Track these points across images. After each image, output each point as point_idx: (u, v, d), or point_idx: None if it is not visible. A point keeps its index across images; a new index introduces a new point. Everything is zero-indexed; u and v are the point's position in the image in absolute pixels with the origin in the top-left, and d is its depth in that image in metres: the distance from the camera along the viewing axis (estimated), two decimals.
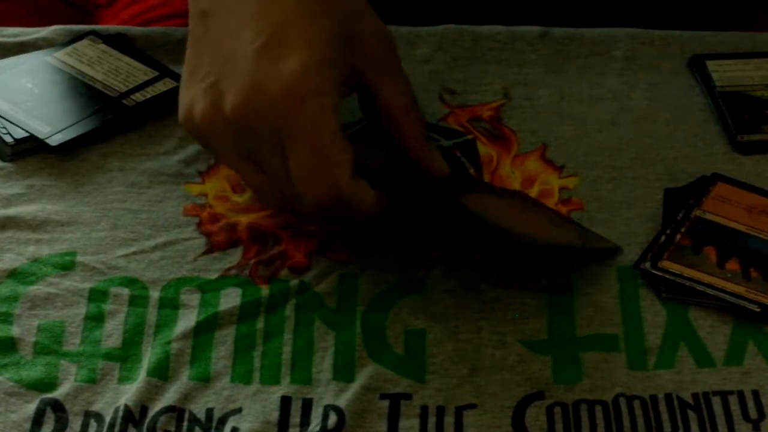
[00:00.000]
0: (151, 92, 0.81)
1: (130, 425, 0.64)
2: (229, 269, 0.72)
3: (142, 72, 0.82)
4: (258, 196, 0.74)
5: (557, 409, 0.65)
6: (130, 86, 0.81)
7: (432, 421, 0.65)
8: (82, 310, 0.70)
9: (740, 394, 0.65)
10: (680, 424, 0.64)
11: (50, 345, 0.68)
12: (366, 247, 0.73)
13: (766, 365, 0.67)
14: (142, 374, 0.66)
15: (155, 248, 0.73)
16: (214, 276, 0.71)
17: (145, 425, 0.64)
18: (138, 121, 0.80)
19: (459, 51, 0.86)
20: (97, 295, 0.70)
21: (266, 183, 0.68)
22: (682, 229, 0.72)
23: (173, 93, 0.81)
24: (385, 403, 0.65)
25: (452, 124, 0.81)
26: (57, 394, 0.66)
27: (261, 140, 0.65)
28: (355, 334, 0.68)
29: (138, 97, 0.81)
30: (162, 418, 0.65)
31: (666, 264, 0.71)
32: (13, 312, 0.69)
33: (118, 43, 0.85)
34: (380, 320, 0.69)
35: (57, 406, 0.65)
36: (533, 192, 0.76)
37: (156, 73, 0.82)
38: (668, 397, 0.65)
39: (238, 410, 0.65)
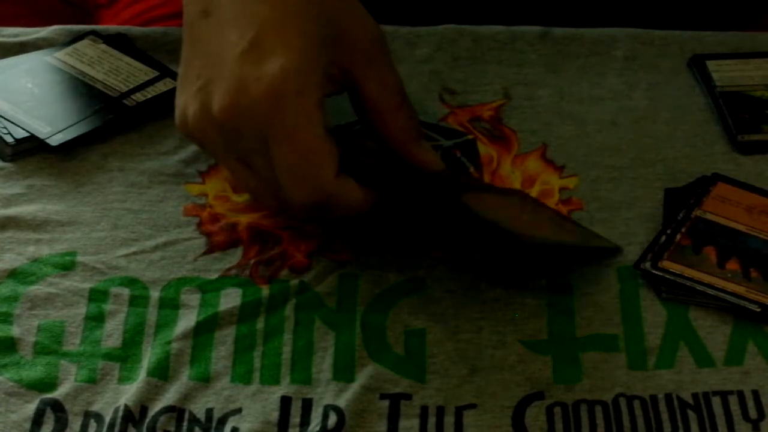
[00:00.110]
0: (151, 92, 0.81)
1: (129, 425, 0.64)
2: (229, 269, 0.72)
3: (142, 72, 0.83)
4: (253, 198, 0.74)
5: (557, 409, 0.65)
6: (131, 86, 0.81)
7: (432, 421, 0.65)
8: (82, 310, 0.70)
9: (740, 394, 0.65)
10: (680, 424, 0.64)
11: (50, 345, 0.68)
12: (366, 247, 0.73)
13: (766, 365, 0.67)
14: (142, 374, 0.66)
15: (155, 248, 0.73)
16: (214, 276, 0.71)
17: (145, 425, 0.64)
18: (138, 121, 0.80)
19: (459, 51, 0.86)
20: (97, 295, 0.70)
21: (259, 184, 0.68)
22: (683, 229, 0.72)
23: (173, 93, 0.81)
24: (385, 403, 0.65)
25: (452, 124, 0.81)
26: (57, 394, 0.66)
27: (247, 142, 0.66)
28: (355, 334, 0.68)
29: (138, 97, 0.81)
30: (162, 418, 0.65)
31: (666, 264, 0.71)
32: (13, 312, 0.69)
33: (119, 43, 0.85)
34: (380, 320, 0.69)
35: (57, 406, 0.65)
36: (533, 192, 0.76)
37: (156, 73, 0.82)
38: (668, 397, 0.65)
39: (238, 410, 0.65)
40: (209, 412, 0.65)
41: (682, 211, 0.74)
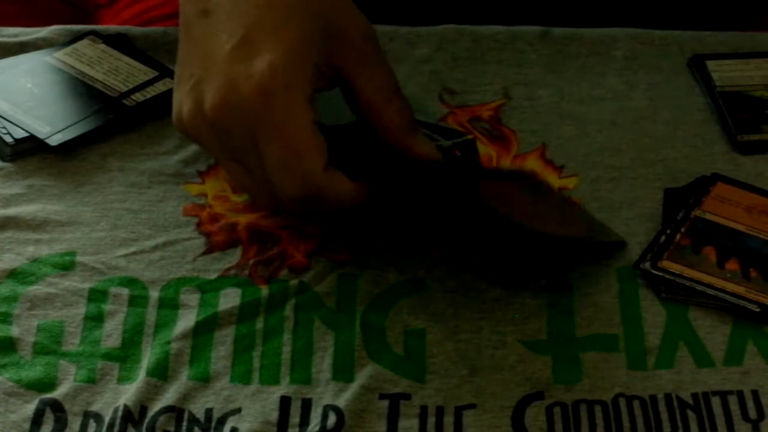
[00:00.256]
0: (151, 92, 0.81)
1: (129, 425, 0.64)
2: (228, 269, 0.72)
3: (142, 72, 0.83)
4: (250, 197, 0.74)
5: (557, 409, 0.65)
6: (130, 86, 0.81)
7: (431, 421, 0.65)
8: (81, 310, 0.70)
9: (740, 394, 0.65)
10: (680, 424, 0.64)
11: (50, 345, 0.68)
12: (366, 247, 0.73)
13: (765, 365, 0.67)
14: (141, 374, 0.66)
15: (155, 248, 0.73)
16: (213, 276, 0.71)
17: (145, 425, 0.64)
18: (138, 121, 0.80)
19: (459, 51, 0.86)
20: (96, 295, 0.70)
21: (254, 183, 0.69)
22: (682, 229, 0.72)
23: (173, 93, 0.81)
24: (385, 403, 0.65)
25: (452, 124, 0.81)
26: (56, 394, 0.66)
27: (239, 140, 0.66)
28: (355, 334, 0.68)
29: (138, 97, 0.81)
30: (161, 418, 0.65)
31: (666, 264, 0.71)
32: (13, 312, 0.69)
33: (118, 43, 0.85)
34: (380, 320, 0.69)
35: (56, 406, 0.65)
36: None
37: (156, 73, 0.82)
38: (668, 397, 0.65)
39: (238, 410, 0.65)
40: (209, 412, 0.65)
41: (681, 211, 0.74)
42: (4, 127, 0.78)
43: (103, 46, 0.85)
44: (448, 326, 0.69)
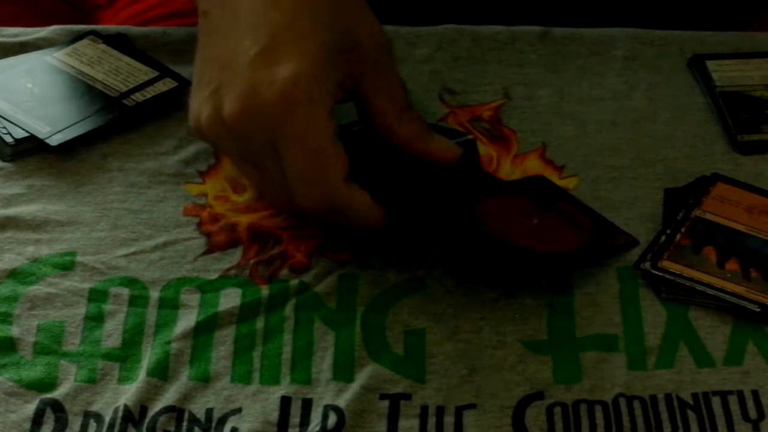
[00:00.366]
0: (151, 92, 0.81)
1: (129, 425, 0.64)
2: (228, 269, 0.72)
3: (142, 72, 0.82)
4: (264, 199, 0.74)
5: (557, 409, 0.65)
6: (131, 86, 0.81)
7: (432, 421, 0.65)
8: (81, 310, 0.70)
9: (740, 394, 0.65)
10: (680, 424, 0.64)
11: (50, 345, 0.68)
12: (366, 247, 0.73)
13: (765, 365, 0.67)
14: (141, 374, 0.66)
15: (155, 248, 0.73)
16: (213, 276, 0.71)
17: (145, 425, 0.64)
18: (138, 121, 0.80)
19: (459, 51, 0.86)
20: (96, 295, 0.70)
21: (271, 188, 0.69)
22: (682, 229, 0.72)
23: (173, 93, 0.81)
24: (385, 403, 0.65)
25: (452, 124, 0.80)
26: (56, 394, 0.66)
27: (258, 146, 0.66)
28: (355, 334, 0.68)
29: (138, 97, 0.81)
30: (162, 418, 0.64)
31: (666, 264, 0.71)
32: (13, 312, 0.69)
33: (119, 43, 0.85)
34: (380, 320, 0.69)
35: (56, 406, 0.65)
36: None
37: (156, 73, 0.82)
38: (668, 397, 0.65)
39: (238, 410, 0.65)
40: (209, 412, 0.65)
41: (681, 211, 0.74)
42: (4, 127, 0.78)
43: (103, 46, 0.85)
44: (448, 326, 0.69)
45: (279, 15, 0.67)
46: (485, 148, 0.79)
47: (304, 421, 0.65)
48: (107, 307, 0.70)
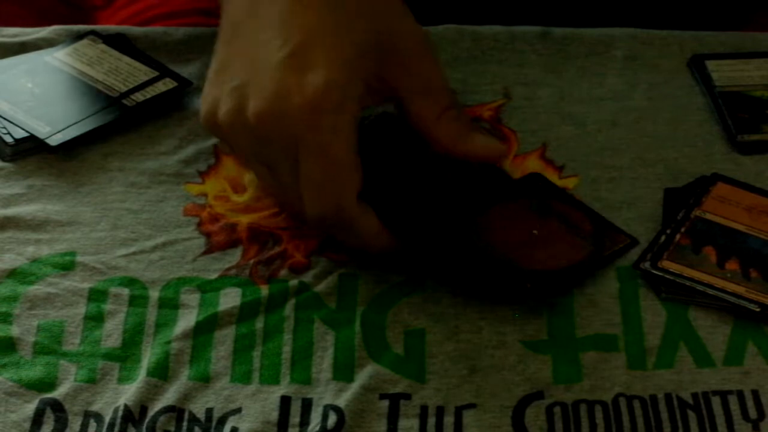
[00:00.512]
0: (151, 92, 0.81)
1: (129, 425, 0.64)
2: (228, 269, 0.72)
3: (142, 72, 0.82)
4: (270, 197, 0.74)
5: (557, 409, 0.65)
6: (130, 86, 0.81)
7: (432, 421, 0.65)
8: (81, 310, 0.70)
9: (740, 394, 0.65)
10: (680, 424, 0.64)
11: (50, 345, 0.68)
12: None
13: (765, 365, 0.67)
14: (141, 374, 0.66)
15: (155, 248, 0.73)
16: (213, 276, 0.71)
17: (145, 425, 0.64)
18: (138, 121, 0.80)
19: (459, 51, 0.86)
20: (96, 295, 0.70)
21: (280, 189, 0.69)
22: (682, 229, 0.72)
23: (173, 93, 0.81)
24: (385, 403, 0.65)
25: None
26: (56, 394, 0.66)
27: (277, 148, 0.66)
28: (355, 333, 0.68)
29: (138, 97, 0.81)
30: (162, 418, 0.65)
31: (666, 264, 0.71)
32: (13, 312, 0.69)
33: (118, 43, 0.85)
34: (380, 320, 0.69)
35: (56, 406, 0.65)
36: None
37: (156, 73, 0.82)
38: (668, 397, 0.65)
39: (238, 410, 0.65)
40: (209, 412, 0.65)
41: (681, 211, 0.74)
42: (4, 127, 0.78)
43: (103, 46, 0.85)
44: (448, 326, 0.69)
45: (310, 16, 0.67)
46: None
47: (304, 421, 0.65)
48: (107, 307, 0.70)
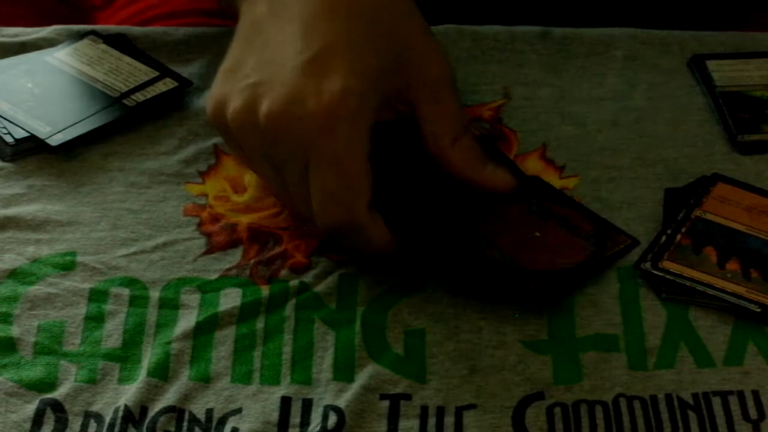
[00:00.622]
0: (151, 92, 0.81)
1: (130, 425, 0.64)
2: (229, 269, 0.72)
3: (142, 72, 0.82)
4: (272, 195, 0.74)
5: (557, 410, 0.65)
6: (131, 86, 0.81)
7: (432, 421, 0.65)
8: (82, 310, 0.70)
9: (740, 394, 0.65)
10: (680, 424, 0.64)
11: (50, 345, 0.68)
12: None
13: (766, 365, 0.67)
14: (142, 374, 0.66)
15: (155, 248, 0.73)
16: (214, 276, 0.71)
17: (145, 425, 0.64)
18: (138, 121, 0.80)
19: (459, 51, 0.86)
20: (97, 296, 0.70)
21: (285, 192, 0.68)
22: (683, 229, 0.72)
23: (173, 93, 0.81)
24: (385, 403, 0.65)
25: None
26: (57, 394, 0.66)
27: (288, 151, 0.66)
28: (355, 334, 0.68)
29: (138, 97, 0.81)
30: (162, 419, 0.65)
31: (666, 264, 0.71)
32: (13, 312, 0.69)
33: (119, 43, 0.85)
34: (380, 320, 0.69)
35: (57, 407, 0.65)
36: None
37: (156, 73, 0.82)
38: (668, 397, 0.65)
39: (238, 410, 0.65)
40: (209, 412, 0.65)
41: (682, 211, 0.74)
42: (5, 127, 0.78)
43: (103, 46, 0.85)
44: (448, 326, 0.69)
45: (335, 24, 0.66)
46: None
47: (305, 422, 0.65)
48: (107, 307, 0.70)
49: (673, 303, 0.70)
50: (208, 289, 0.71)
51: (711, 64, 0.84)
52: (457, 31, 0.87)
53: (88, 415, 0.65)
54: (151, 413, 0.65)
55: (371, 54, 0.66)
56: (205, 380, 0.66)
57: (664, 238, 0.72)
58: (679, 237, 0.72)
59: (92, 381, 0.66)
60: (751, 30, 0.89)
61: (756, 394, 0.65)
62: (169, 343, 0.68)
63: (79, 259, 0.72)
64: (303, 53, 0.66)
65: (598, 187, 0.76)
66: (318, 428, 0.64)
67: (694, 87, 0.83)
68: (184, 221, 0.75)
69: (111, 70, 0.82)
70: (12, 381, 0.66)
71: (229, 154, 0.77)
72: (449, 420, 0.65)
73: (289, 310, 0.70)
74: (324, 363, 0.67)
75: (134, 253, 0.73)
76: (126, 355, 0.68)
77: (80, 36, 0.86)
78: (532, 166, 0.78)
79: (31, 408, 0.65)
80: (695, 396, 0.65)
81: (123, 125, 0.80)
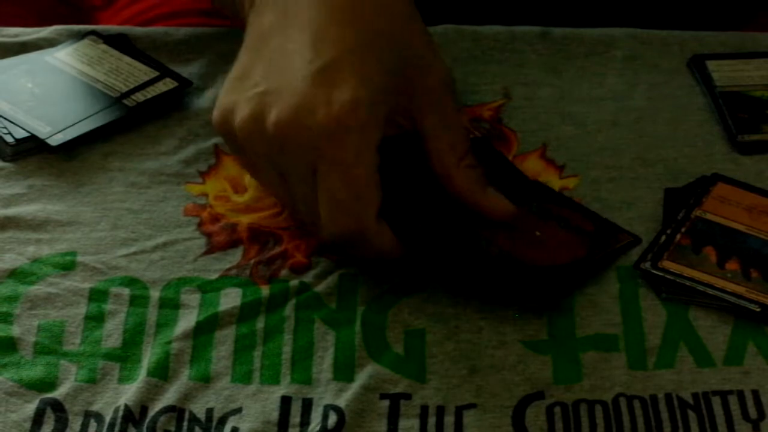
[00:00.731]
0: (151, 92, 0.81)
1: (130, 425, 0.64)
2: (229, 269, 0.72)
3: (142, 72, 0.83)
4: (272, 196, 0.74)
5: (557, 409, 0.65)
6: (131, 86, 0.81)
7: (432, 421, 0.65)
8: (82, 310, 0.70)
9: (740, 394, 0.65)
10: (680, 424, 0.64)
11: (50, 345, 0.68)
12: None
13: (766, 365, 0.67)
14: (142, 374, 0.66)
15: (155, 248, 0.73)
16: (214, 276, 0.71)
17: (145, 425, 0.64)
18: (138, 121, 0.80)
19: (459, 51, 0.86)
20: (97, 295, 0.70)
21: (291, 200, 0.69)
22: (683, 229, 0.72)
23: (174, 93, 0.81)
24: (385, 402, 0.65)
25: None
26: (57, 394, 0.66)
27: (295, 161, 0.66)
28: (355, 333, 0.68)
29: (138, 97, 0.81)
30: (162, 418, 0.65)
31: (666, 264, 0.71)
32: (14, 312, 0.69)
33: (119, 43, 0.85)
34: (380, 320, 0.69)
35: (57, 406, 0.65)
36: None
37: (157, 73, 0.83)
38: (668, 396, 0.65)
39: (238, 410, 0.65)
40: (209, 412, 0.65)
41: (682, 211, 0.74)
42: (5, 127, 0.78)
43: (103, 46, 0.85)
44: (448, 326, 0.69)
45: (346, 35, 0.66)
46: None
47: (305, 421, 0.65)
48: (108, 306, 0.70)
49: (673, 303, 0.70)
50: (208, 288, 0.71)
51: (711, 64, 0.84)
52: (457, 31, 0.87)
53: (88, 415, 0.65)
54: (151, 413, 0.65)
55: (378, 63, 0.66)
56: (205, 380, 0.66)
57: (663, 237, 0.72)
58: (678, 237, 0.72)
59: (92, 381, 0.66)
60: (751, 30, 0.89)
61: (756, 394, 0.65)
62: (169, 342, 0.68)
63: (79, 258, 0.72)
64: (313, 63, 0.66)
65: (598, 187, 0.76)
66: (318, 428, 0.64)
67: (694, 87, 0.83)
68: (185, 221, 0.75)
69: (111, 70, 0.83)
70: (12, 380, 0.66)
71: (230, 155, 0.77)
72: (449, 419, 0.65)
73: (289, 309, 0.70)
74: (324, 363, 0.67)
75: (134, 253, 0.73)
76: (126, 355, 0.68)
77: (80, 36, 0.86)
78: (532, 166, 0.78)
79: (31, 407, 0.65)
80: (695, 396, 0.65)
81: (123, 125, 0.80)
